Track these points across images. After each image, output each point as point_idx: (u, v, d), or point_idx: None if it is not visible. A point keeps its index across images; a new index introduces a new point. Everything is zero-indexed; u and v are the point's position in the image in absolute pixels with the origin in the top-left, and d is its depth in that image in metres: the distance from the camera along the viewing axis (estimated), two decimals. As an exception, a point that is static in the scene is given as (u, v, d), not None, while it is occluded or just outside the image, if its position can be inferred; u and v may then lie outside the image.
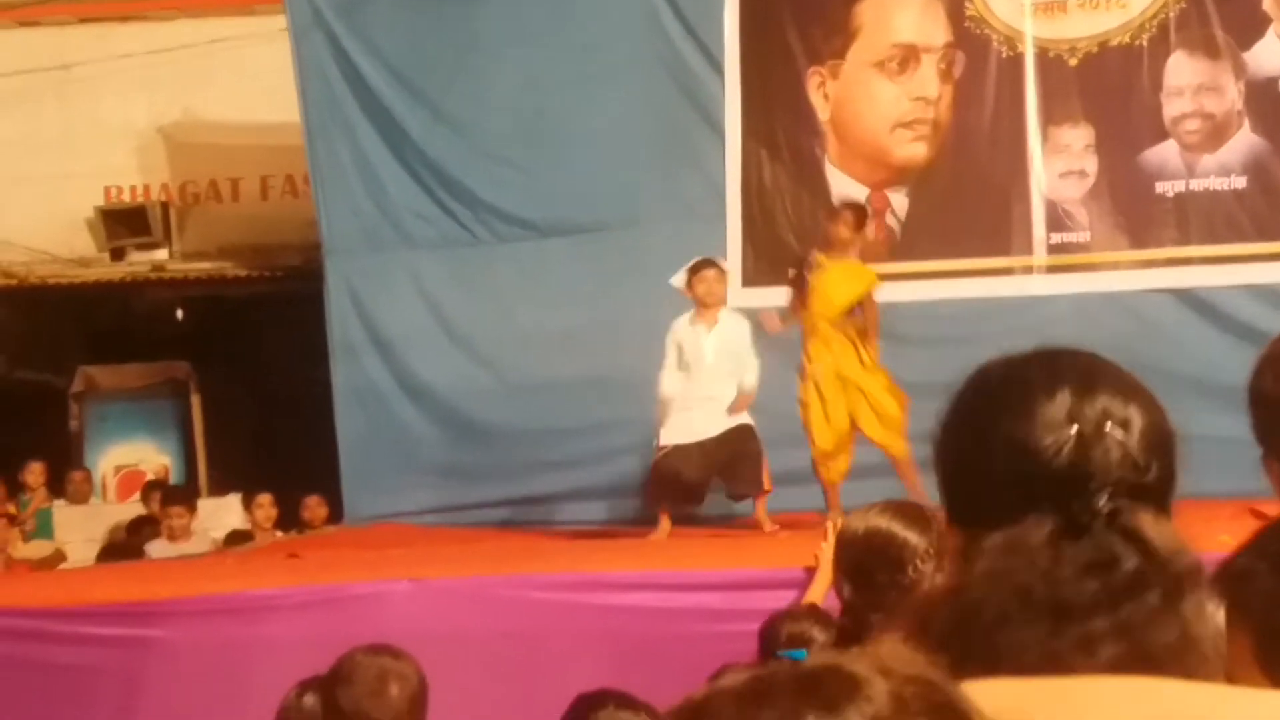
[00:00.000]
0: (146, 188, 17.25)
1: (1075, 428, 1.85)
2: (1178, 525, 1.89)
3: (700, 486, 10.82)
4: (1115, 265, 12.60)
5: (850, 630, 4.07)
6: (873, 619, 3.92)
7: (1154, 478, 1.85)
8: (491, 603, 7.92)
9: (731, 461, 10.71)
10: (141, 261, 17.11)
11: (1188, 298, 12.47)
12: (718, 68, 13.15)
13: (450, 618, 7.69)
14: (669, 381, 10.79)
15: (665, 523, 10.76)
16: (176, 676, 7.83)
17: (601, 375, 12.29)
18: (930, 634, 1.81)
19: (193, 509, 13.99)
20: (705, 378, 10.70)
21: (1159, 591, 1.77)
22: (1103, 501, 1.80)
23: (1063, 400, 1.88)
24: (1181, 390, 12.30)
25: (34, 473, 15.49)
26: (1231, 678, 1.76)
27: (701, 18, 13.16)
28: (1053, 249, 12.67)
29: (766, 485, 10.82)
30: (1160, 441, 1.89)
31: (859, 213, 11.09)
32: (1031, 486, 1.84)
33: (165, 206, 17.15)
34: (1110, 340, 11.98)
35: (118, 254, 17.09)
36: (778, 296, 11.28)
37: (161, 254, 17.10)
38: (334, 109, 13.68)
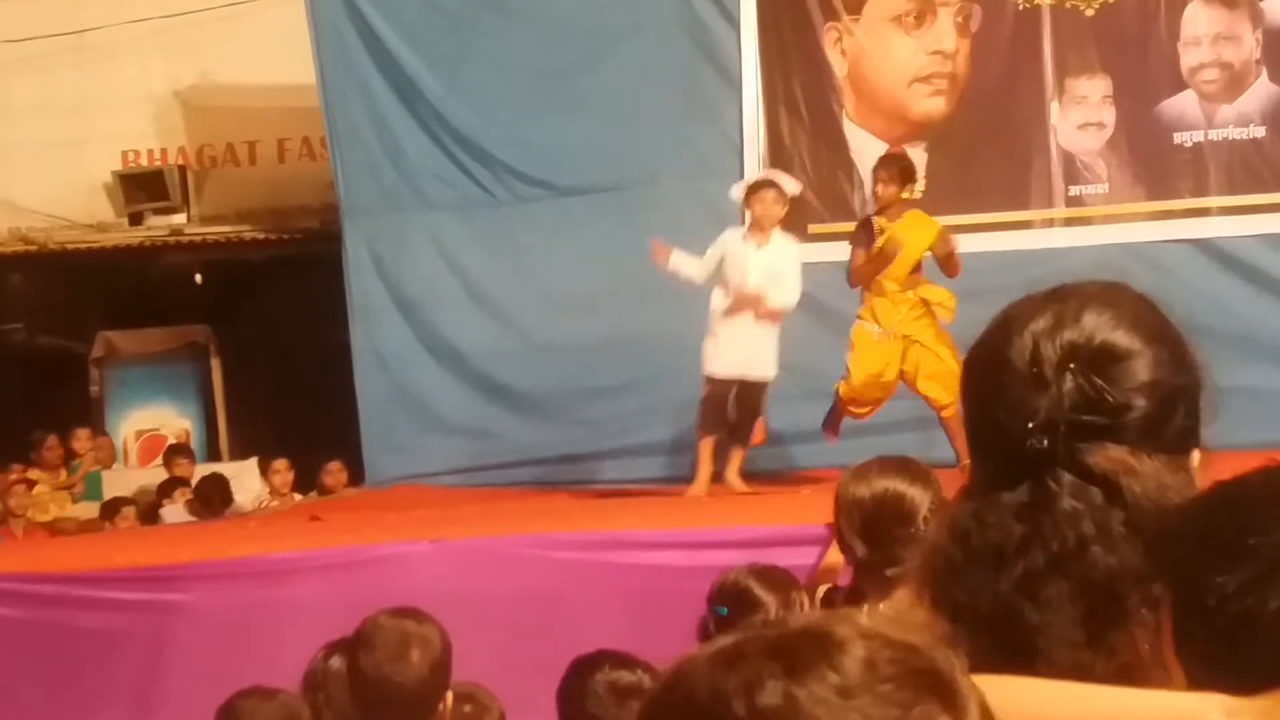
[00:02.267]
0: (164, 152, 17.26)
1: (1032, 369, 1.84)
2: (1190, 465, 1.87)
3: (724, 424, 10.80)
4: (1134, 216, 12.57)
5: (865, 589, 4.09)
6: (888, 575, 3.93)
7: (1140, 416, 1.84)
8: (513, 562, 7.92)
9: (740, 412, 10.71)
10: (160, 226, 17.13)
11: (1207, 248, 12.43)
12: (734, 24, 13.11)
13: (472, 578, 7.70)
14: (692, 270, 10.76)
15: (705, 467, 10.73)
16: (200, 640, 7.85)
17: (623, 334, 12.29)
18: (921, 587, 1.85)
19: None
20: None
21: (1122, 522, 1.77)
22: (1041, 442, 1.79)
23: (1028, 339, 1.87)
24: (1202, 340, 12.30)
25: (81, 438, 15.65)
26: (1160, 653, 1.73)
27: (717, -27, 13.14)
28: (1071, 201, 12.64)
29: (758, 437, 10.91)
30: (1155, 377, 1.87)
31: (904, 167, 11.03)
32: (991, 432, 1.86)
33: (183, 170, 17.17)
34: (1130, 292, 11.75)
35: (136, 219, 17.11)
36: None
37: (179, 218, 17.12)
38: (350, 70, 13.66)
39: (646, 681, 4.35)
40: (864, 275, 10.86)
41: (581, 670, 4.46)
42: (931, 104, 12.95)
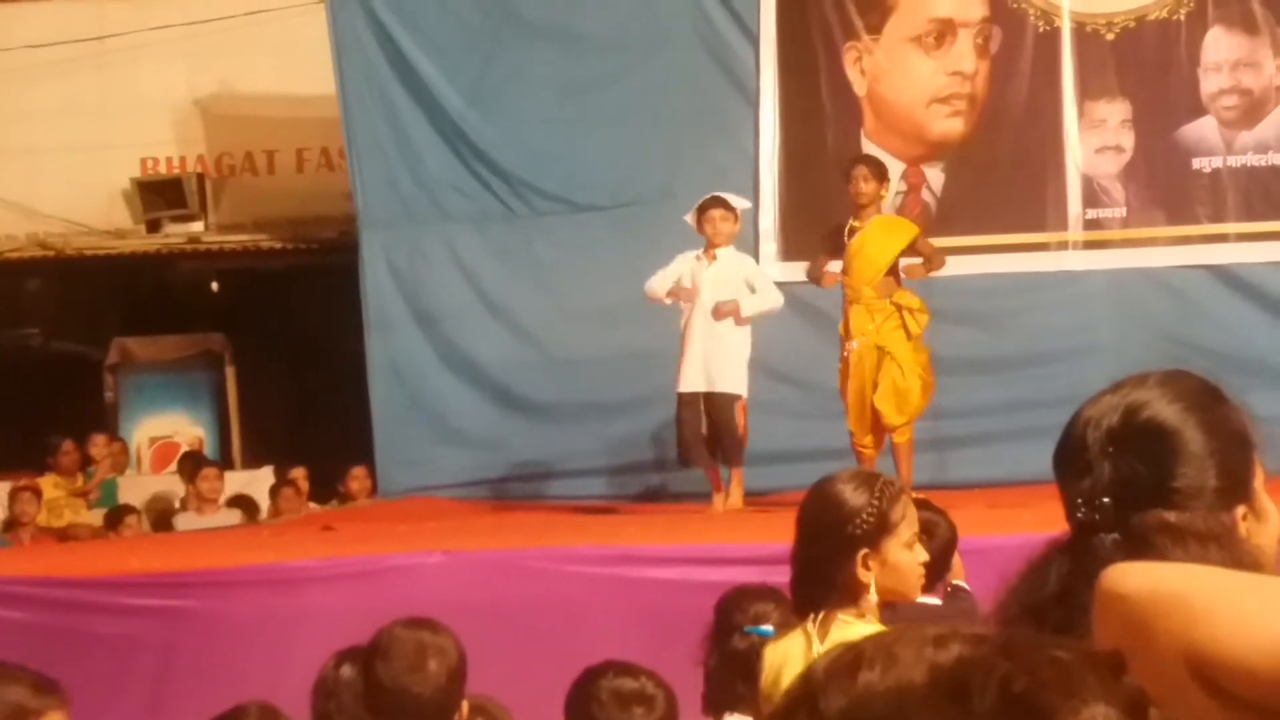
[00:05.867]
0: (183, 160, 17.27)
1: (1081, 453, 2.15)
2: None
3: (700, 440, 10.78)
4: (1151, 241, 12.57)
5: (799, 596, 4.15)
6: (819, 591, 4.02)
7: (1182, 484, 2.11)
8: (524, 575, 7.93)
9: (715, 429, 10.69)
10: (177, 233, 17.14)
11: (1223, 274, 12.42)
12: (754, 42, 13.12)
13: (483, 589, 7.71)
14: (653, 282, 10.87)
15: (717, 489, 10.74)
16: (212, 647, 7.87)
17: (639, 348, 12.28)
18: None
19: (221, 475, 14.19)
20: (701, 314, 10.68)
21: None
22: (1086, 513, 2.09)
23: (1081, 427, 2.18)
24: (1216, 365, 12.26)
25: (98, 444, 15.66)
26: None
27: (738, -9, 13.16)
28: (1088, 224, 12.63)
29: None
30: (1191, 450, 2.13)
31: (876, 166, 11.00)
32: (1062, 499, 2.18)
33: (201, 179, 17.18)
34: (1144, 316, 12.01)
35: (154, 226, 17.13)
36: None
37: (197, 226, 17.12)
38: (370, 82, 13.67)
39: (649, 688, 4.40)
40: (814, 268, 11.08)
41: (586, 678, 4.49)
42: (950, 125, 12.96)
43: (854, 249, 10.67)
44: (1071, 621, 1.97)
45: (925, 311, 10.61)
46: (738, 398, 10.70)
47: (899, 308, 10.56)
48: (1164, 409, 2.14)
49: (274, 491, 14.51)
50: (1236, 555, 2.01)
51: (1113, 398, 2.17)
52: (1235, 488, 2.15)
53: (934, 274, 10.88)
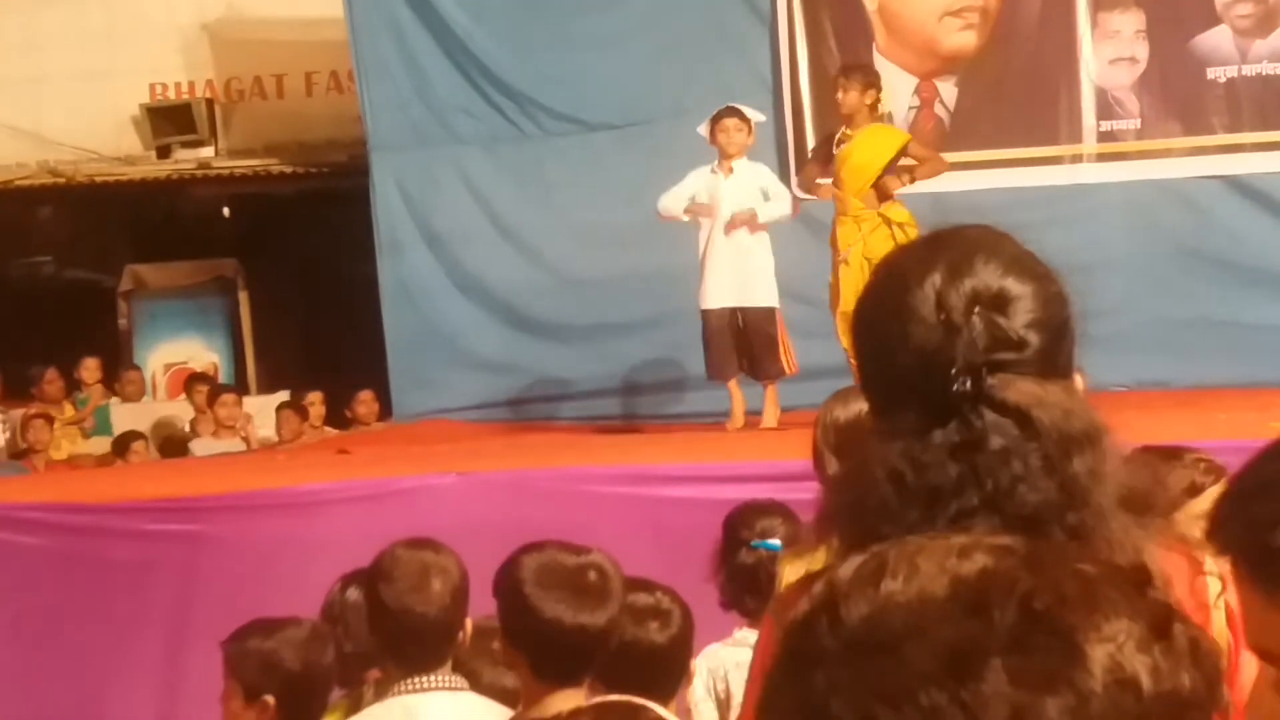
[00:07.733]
0: (191, 85, 17.22)
1: (940, 316, 1.94)
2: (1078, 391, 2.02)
3: (730, 354, 10.74)
4: (1166, 152, 12.50)
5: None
6: None
7: (1037, 350, 1.96)
8: (538, 495, 7.92)
9: (754, 343, 10.65)
10: (187, 159, 17.10)
11: (1239, 184, 12.36)
12: (764, -44, 13.04)
13: (498, 511, 7.70)
14: (668, 200, 10.83)
15: (736, 401, 10.70)
16: (228, 571, 7.87)
17: (651, 268, 12.26)
18: (831, 522, 2.02)
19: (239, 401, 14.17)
20: (722, 229, 10.63)
21: (1037, 454, 1.89)
22: (964, 384, 1.90)
23: (929, 289, 1.96)
24: (1232, 277, 12.28)
25: (89, 369, 15.54)
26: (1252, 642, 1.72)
27: (747, -94, 13.05)
28: (1103, 137, 12.57)
29: (791, 369, 10.74)
30: (1045, 313, 2.00)
31: (861, 75, 10.80)
32: (903, 378, 1.96)
33: (210, 103, 17.13)
34: (1160, 228, 11.94)
35: (164, 152, 17.09)
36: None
37: (207, 151, 17.08)
38: (378, 4, 13.61)
39: (664, 603, 4.40)
40: (805, 179, 11.04)
41: None
42: (962, 38, 12.87)
43: (841, 157, 10.53)
44: (972, 511, 1.88)
45: (914, 225, 10.28)
46: (773, 310, 10.67)
47: (887, 221, 10.33)
48: (1014, 273, 2.01)
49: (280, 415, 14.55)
50: (1094, 428, 1.94)
51: (950, 256, 2.00)
52: (1074, 355, 2.06)
53: (933, 176, 10.70)
